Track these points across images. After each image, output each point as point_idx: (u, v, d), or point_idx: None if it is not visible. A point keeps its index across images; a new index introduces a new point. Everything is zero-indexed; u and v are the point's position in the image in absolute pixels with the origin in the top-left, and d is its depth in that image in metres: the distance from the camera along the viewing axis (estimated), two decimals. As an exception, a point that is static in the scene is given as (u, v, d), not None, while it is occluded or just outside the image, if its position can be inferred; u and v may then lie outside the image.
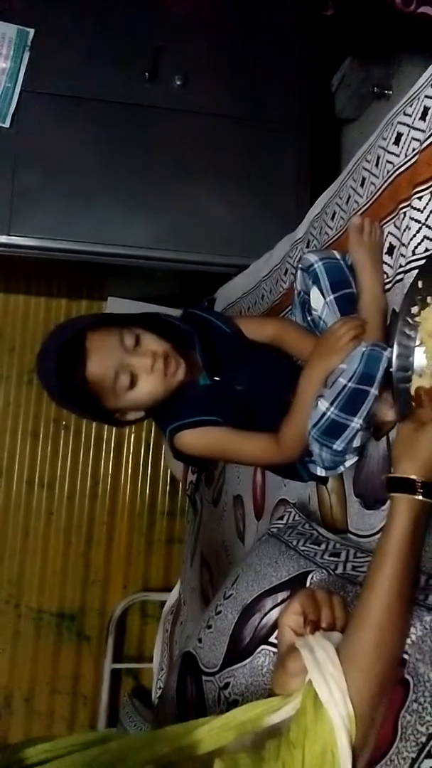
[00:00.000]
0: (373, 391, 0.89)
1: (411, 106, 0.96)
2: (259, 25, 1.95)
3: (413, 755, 0.60)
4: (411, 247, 0.91)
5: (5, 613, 2.46)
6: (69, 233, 1.82)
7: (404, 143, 0.97)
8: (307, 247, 1.36)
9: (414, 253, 0.90)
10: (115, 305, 2.38)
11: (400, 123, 0.98)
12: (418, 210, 0.89)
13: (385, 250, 1.03)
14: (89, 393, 0.98)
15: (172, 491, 2.60)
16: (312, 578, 0.92)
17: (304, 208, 1.56)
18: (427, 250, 0.88)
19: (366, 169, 1.10)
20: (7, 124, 1.82)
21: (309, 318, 1.13)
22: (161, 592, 2.47)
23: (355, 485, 1.05)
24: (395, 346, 0.82)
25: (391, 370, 0.83)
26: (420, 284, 0.82)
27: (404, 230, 0.93)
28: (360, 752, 0.63)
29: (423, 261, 0.87)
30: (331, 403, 0.91)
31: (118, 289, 2.39)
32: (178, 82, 1.88)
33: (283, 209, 1.86)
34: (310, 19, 1.87)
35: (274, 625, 0.88)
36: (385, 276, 1.02)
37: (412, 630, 0.69)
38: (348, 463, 0.99)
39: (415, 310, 0.81)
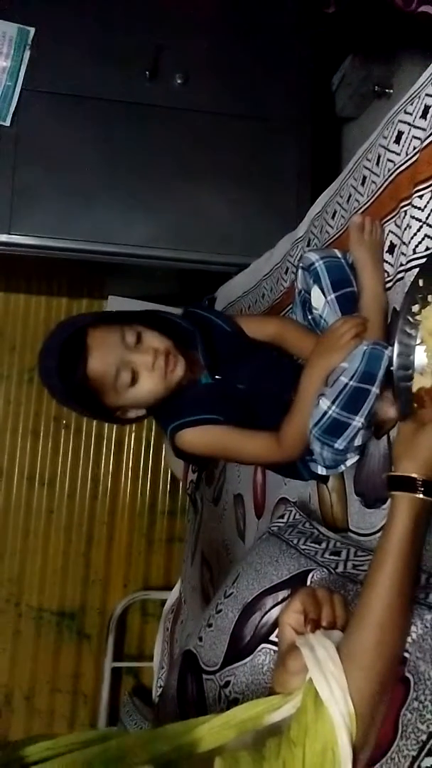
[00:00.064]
0: (375, 389, 0.89)
1: (412, 104, 0.96)
2: (260, 24, 1.95)
3: (414, 753, 0.60)
4: (412, 245, 0.91)
5: (6, 612, 2.46)
6: (69, 232, 1.82)
7: (405, 142, 0.97)
8: (308, 245, 1.36)
9: (415, 252, 0.90)
10: (116, 304, 2.38)
11: (400, 122, 0.98)
12: (419, 208, 0.89)
13: (385, 248, 1.03)
14: (90, 390, 0.98)
15: (172, 490, 2.60)
16: (312, 577, 0.92)
17: (304, 206, 1.56)
18: (427, 248, 0.88)
19: (367, 168, 1.10)
20: (7, 123, 1.82)
21: (310, 317, 1.13)
22: (162, 590, 2.47)
23: (356, 484, 1.05)
24: (396, 345, 0.82)
25: (392, 368, 0.83)
26: (421, 283, 0.82)
27: (405, 229, 0.93)
28: (360, 750, 0.63)
29: (424, 259, 0.88)
30: (333, 402, 0.91)
31: (119, 288, 2.38)
32: (179, 81, 1.88)
33: (284, 208, 1.86)
34: (312, 16, 1.87)
35: (275, 624, 0.88)
36: (385, 274, 1.02)
37: (413, 628, 0.69)
38: (349, 462, 0.99)
39: (416, 308, 0.81)
